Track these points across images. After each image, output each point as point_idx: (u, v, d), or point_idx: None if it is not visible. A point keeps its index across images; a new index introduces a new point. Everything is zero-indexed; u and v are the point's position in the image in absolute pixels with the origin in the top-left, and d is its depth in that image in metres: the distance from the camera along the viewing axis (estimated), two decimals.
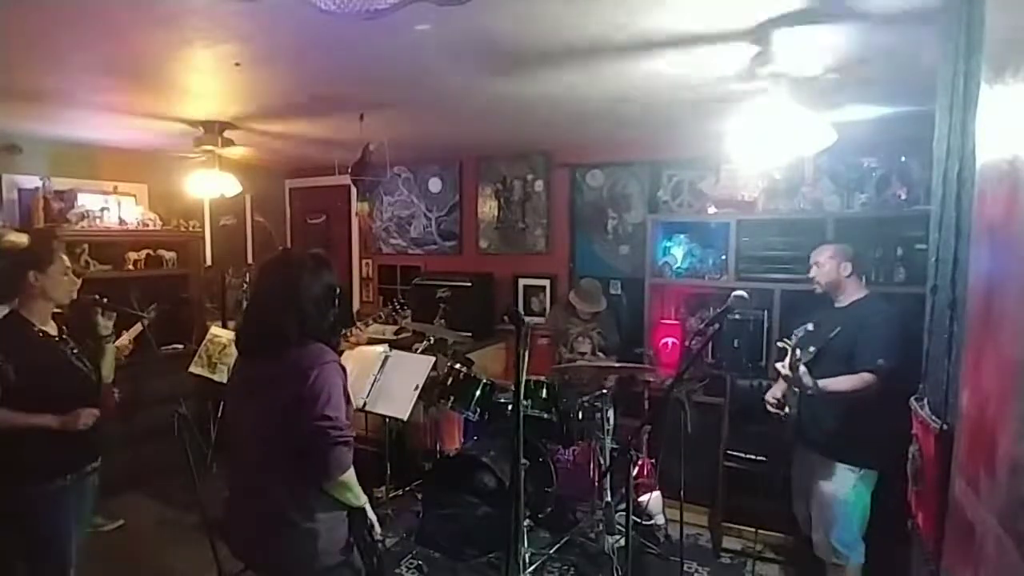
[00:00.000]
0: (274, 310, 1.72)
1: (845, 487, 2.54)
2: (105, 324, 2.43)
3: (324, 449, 1.61)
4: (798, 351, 2.45)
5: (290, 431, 1.63)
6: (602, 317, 3.99)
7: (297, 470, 1.66)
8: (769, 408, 2.71)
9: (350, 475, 1.70)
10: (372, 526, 1.79)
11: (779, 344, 2.57)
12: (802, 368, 2.43)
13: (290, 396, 1.64)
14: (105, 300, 2.46)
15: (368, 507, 1.79)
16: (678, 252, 4.02)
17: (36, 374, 2.10)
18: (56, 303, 2.24)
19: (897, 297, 2.96)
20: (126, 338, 2.98)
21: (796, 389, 2.54)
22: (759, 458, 3.27)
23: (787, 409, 2.62)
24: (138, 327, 2.62)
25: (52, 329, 2.25)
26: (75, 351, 2.28)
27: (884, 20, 1.87)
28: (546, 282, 4.83)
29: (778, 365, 2.55)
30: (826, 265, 2.69)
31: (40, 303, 2.19)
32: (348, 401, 1.74)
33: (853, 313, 2.62)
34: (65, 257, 2.29)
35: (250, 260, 5.81)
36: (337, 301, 1.81)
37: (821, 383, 2.46)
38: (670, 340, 3.98)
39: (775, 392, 2.73)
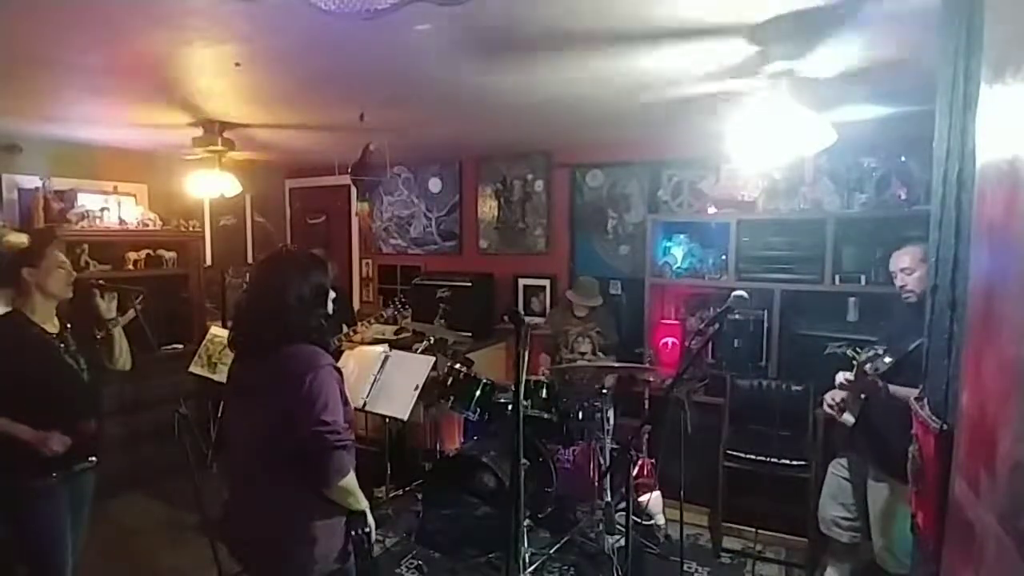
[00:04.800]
0: (259, 309, 1.72)
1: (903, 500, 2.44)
2: (107, 306, 2.42)
3: (323, 454, 1.60)
4: (873, 355, 2.29)
5: (286, 435, 1.62)
6: (601, 317, 3.99)
7: (295, 475, 1.65)
8: (826, 410, 2.60)
9: (350, 479, 1.69)
10: (370, 532, 1.77)
11: (851, 356, 2.38)
12: (868, 366, 2.27)
13: (284, 401, 1.63)
14: (102, 282, 2.47)
15: (368, 511, 1.78)
16: (678, 252, 4.03)
17: (22, 375, 2.10)
18: (54, 297, 2.24)
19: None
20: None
21: (863, 395, 2.40)
22: (759, 458, 3.27)
23: (846, 415, 2.49)
24: (131, 313, 2.56)
25: (52, 326, 2.24)
26: (73, 349, 2.27)
27: (884, 20, 1.87)
28: (546, 282, 4.84)
29: (842, 374, 2.41)
30: (919, 270, 2.42)
31: (38, 299, 2.18)
32: (346, 403, 1.72)
33: None
34: (59, 252, 2.28)
35: (250, 260, 5.81)
36: (332, 302, 1.80)
37: (892, 388, 2.30)
38: (670, 340, 3.99)
39: (836, 395, 2.54)
